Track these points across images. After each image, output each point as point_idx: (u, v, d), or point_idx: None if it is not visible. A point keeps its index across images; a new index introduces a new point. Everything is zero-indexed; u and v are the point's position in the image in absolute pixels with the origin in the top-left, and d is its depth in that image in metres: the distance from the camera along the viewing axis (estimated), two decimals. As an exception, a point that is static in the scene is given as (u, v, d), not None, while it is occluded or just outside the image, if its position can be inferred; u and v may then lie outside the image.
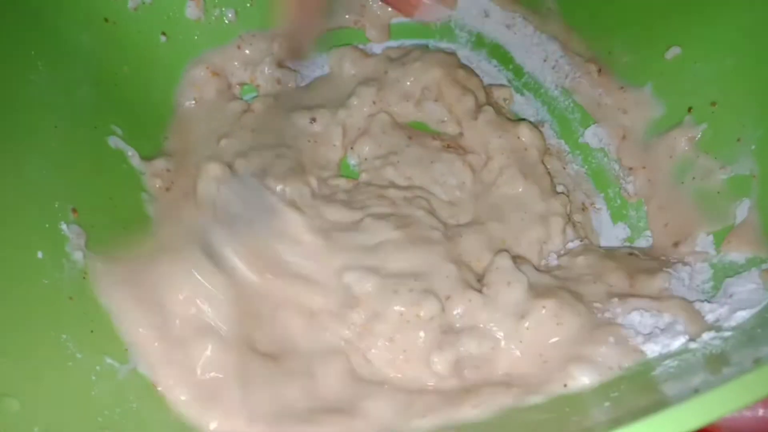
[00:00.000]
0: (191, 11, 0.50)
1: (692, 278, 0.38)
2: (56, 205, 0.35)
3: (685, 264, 0.40)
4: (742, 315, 0.32)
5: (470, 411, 0.32)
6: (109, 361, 0.31)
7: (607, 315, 0.36)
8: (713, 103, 0.42)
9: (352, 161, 0.48)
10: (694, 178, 0.42)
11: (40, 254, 0.31)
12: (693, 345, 0.32)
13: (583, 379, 0.32)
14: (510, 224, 0.43)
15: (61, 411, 0.26)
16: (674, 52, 0.44)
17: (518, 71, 0.53)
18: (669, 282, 0.38)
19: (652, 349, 0.33)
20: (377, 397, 0.34)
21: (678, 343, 0.33)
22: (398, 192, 0.43)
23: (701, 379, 0.28)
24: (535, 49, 0.52)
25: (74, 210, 0.35)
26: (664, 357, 0.32)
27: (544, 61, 0.52)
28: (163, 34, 0.49)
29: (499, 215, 0.43)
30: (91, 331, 0.31)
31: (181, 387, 0.32)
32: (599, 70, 0.48)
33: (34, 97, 0.38)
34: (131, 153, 0.43)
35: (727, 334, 0.31)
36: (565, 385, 0.33)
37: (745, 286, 0.35)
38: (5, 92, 0.36)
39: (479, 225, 0.42)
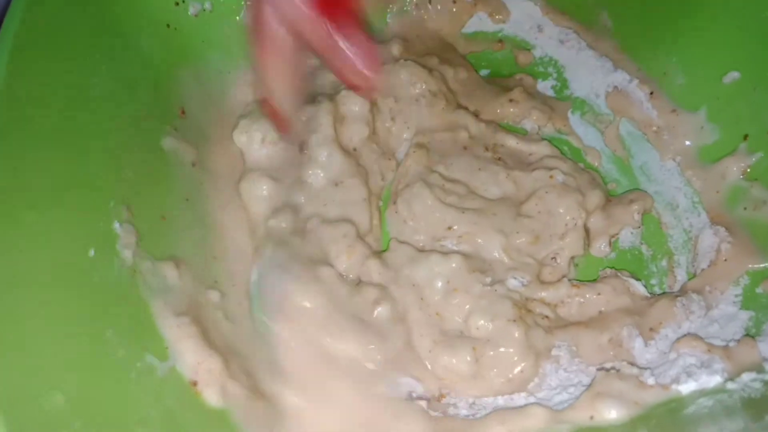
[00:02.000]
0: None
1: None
2: (111, 204, 0.36)
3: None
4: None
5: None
6: (149, 358, 0.32)
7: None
8: (771, 132, 0.40)
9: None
10: (745, 208, 0.41)
11: (92, 252, 0.33)
12: (731, 385, 0.31)
13: (610, 413, 0.32)
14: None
15: (101, 407, 0.28)
16: (732, 76, 0.42)
17: (567, 86, 0.52)
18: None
19: (686, 386, 0.32)
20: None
21: (714, 381, 0.32)
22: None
23: (739, 425, 0.28)
24: (587, 66, 0.51)
25: (128, 209, 0.37)
26: (698, 395, 0.32)
27: (595, 78, 0.51)
28: (221, 38, 0.51)
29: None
30: (135, 328, 0.33)
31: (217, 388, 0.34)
32: (651, 93, 0.47)
33: (96, 99, 0.40)
34: (185, 149, 0.45)
35: (769, 377, 0.30)
36: (592, 418, 0.32)
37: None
38: (71, 93, 0.38)
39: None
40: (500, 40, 0.54)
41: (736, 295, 0.39)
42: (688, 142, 0.45)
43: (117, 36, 0.45)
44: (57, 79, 0.38)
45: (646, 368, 0.35)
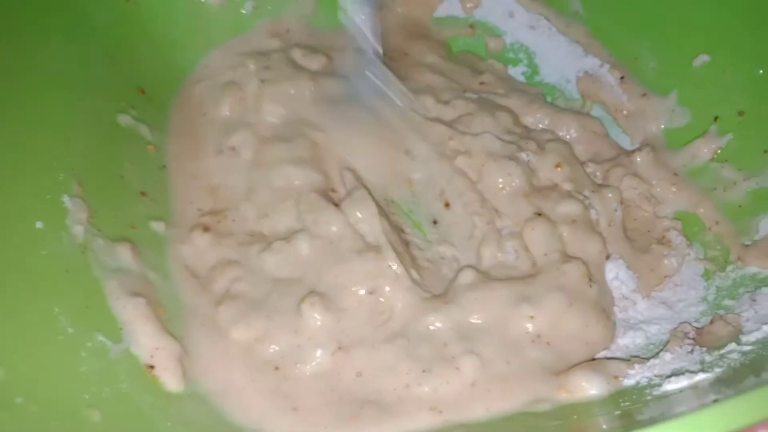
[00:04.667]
0: (212, -4, 0.49)
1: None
2: (60, 177, 0.34)
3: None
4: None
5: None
6: (101, 338, 0.30)
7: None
8: (741, 113, 0.40)
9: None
10: (715, 189, 0.41)
11: (39, 224, 0.31)
12: (708, 357, 0.31)
13: (590, 389, 0.31)
14: None
15: (47, 384, 0.25)
16: (703, 59, 0.43)
17: (538, 72, 0.52)
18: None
19: (665, 361, 0.32)
20: None
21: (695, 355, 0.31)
22: None
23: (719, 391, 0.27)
24: (558, 52, 0.51)
25: (79, 184, 0.35)
26: (679, 371, 0.31)
27: (566, 64, 0.50)
28: (182, 17, 0.49)
29: None
30: (86, 307, 0.30)
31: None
32: (622, 77, 0.47)
33: (47, 70, 0.38)
34: (143, 130, 0.42)
35: (747, 348, 0.30)
36: (569, 393, 0.31)
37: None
38: (17, 62, 0.36)
39: None
40: (471, 26, 0.54)
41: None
42: (658, 126, 0.45)
43: (70, 10, 0.43)
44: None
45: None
